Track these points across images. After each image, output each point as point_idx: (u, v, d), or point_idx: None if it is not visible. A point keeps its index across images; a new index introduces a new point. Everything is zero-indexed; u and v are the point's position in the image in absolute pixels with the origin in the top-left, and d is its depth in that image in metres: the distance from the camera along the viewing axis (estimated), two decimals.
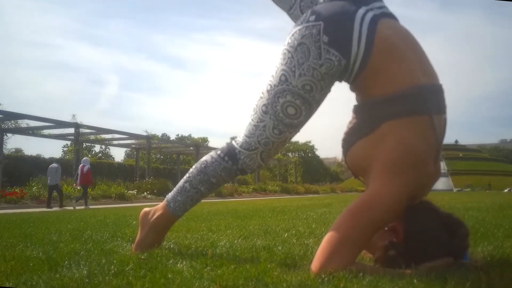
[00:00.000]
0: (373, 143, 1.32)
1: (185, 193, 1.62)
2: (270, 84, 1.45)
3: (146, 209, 1.76)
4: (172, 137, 52.65)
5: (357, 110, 1.44)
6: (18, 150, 28.65)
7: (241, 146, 1.53)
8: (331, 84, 1.43)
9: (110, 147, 30.95)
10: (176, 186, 1.67)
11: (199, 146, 26.88)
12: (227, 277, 1.15)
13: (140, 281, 1.13)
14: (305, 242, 1.95)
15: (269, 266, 1.28)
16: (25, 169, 19.14)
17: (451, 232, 1.25)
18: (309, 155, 61.12)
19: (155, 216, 1.68)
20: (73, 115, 17.62)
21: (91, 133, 19.22)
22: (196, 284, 1.09)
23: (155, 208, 1.73)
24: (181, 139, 50.67)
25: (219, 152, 1.59)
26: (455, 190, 36.89)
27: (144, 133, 20.88)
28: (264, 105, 1.46)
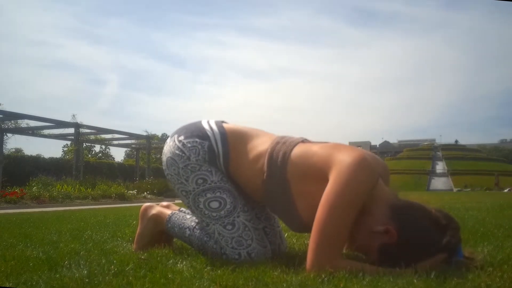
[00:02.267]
0: (301, 191, 1.38)
1: (181, 234, 1.66)
2: (188, 207, 1.58)
3: (148, 204, 1.85)
4: None
5: (267, 202, 1.50)
6: (18, 150, 28.67)
7: (232, 259, 1.46)
8: (214, 166, 1.52)
9: (110, 147, 30.96)
10: (185, 220, 1.67)
11: None
12: (227, 277, 1.15)
13: (140, 281, 1.13)
14: (305, 242, 1.95)
15: (269, 266, 1.28)
16: (25, 169, 19.13)
17: (441, 227, 1.25)
18: None
19: (156, 213, 1.77)
20: (73, 115, 17.53)
21: (91, 133, 19.21)
22: (196, 284, 1.09)
23: (158, 208, 1.80)
24: None
25: (224, 250, 1.49)
26: (455, 190, 36.88)
27: (144, 133, 20.89)
28: (202, 221, 1.54)
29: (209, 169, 1.52)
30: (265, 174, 1.45)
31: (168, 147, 1.59)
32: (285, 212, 1.46)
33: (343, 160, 1.28)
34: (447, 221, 1.27)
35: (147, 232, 1.77)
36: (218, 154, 1.53)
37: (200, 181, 1.51)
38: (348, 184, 1.23)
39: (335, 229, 1.22)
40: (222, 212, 1.48)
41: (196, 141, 1.53)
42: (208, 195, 1.49)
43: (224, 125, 1.61)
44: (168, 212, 1.75)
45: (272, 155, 1.45)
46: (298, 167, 1.40)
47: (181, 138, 1.56)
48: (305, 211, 1.39)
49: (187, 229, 1.63)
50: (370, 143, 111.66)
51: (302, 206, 1.40)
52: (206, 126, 1.59)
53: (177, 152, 1.54)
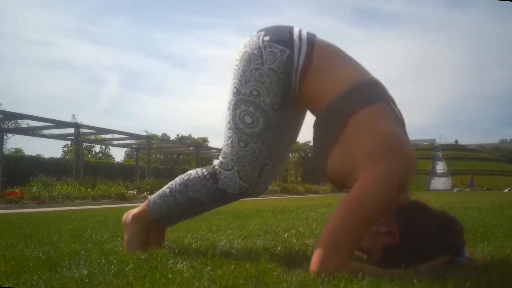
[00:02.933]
0: (347, 143, 1.32)
1: (164, 198, 1.66)
2: (228, 102, 1.51)
3: (129, 211, 1.80)
4: (172, 137, 52.67)
5: (317, 123, 1.46)
6: (18, 150, 28.67)
7: (220, 167, 1.57)
8: (279, 85, 1.42)
9: (110, 147, 30.97)
10: (160, 189, 1.71)
11: (199, 146, 26.90)
12: (227, 277, 1.15)
13: (140, 281, 1.13)
14: (305, 242, 1.95)
15: (269, 266, 1.28)
16: (25, 169, 19.14)
17: (446, 230, 1.25)
18: (309, 155, 61.13)
19: (136, 211, 1.75)
20: (73, 115, 17.53)
21: (91, 133, 19.21)
22: (196, 284, 1.09)
23: (136, 208, 1.78)
24: (181, 139, 50.64)
25: (203, 170, 1.62)
26: (455, 190, 36.91)
27: (144, 133, 20.89)
28: (228, 122, 1.52)
29: (271, 87, 1.42)
30: (331, 104, 1.37)
31: (251, 42, 1.49)
32: (319, 148, 1.43)
33: (377, 172, 1.23)
34: (451, 223, 1.27)
35: (135, 234, 1.72)
36: (296, 66, 1.41)
37: (254, 92, 1.43)
38: (370, 200, 1.20)
39: (348, 238, 1.20)
40: (247, 130, 1.47)
41: (278, 48, 1.42)
42: (250, 109, 1.45)
43: (316, 38, 1.48)
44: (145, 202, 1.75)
45: (349, 95, 1.35)
46: (354, 128, 1.31)
47: (266, 38, 1.45)
48: (334, 159, 1.36)
49: (166, 188, 1.66)
50: None
51: (335, 153, 1.36)
52: (295, 33, 1.46)
53: (255, 51, 1.45)
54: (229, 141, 1.51)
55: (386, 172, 1.22)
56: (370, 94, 1.35)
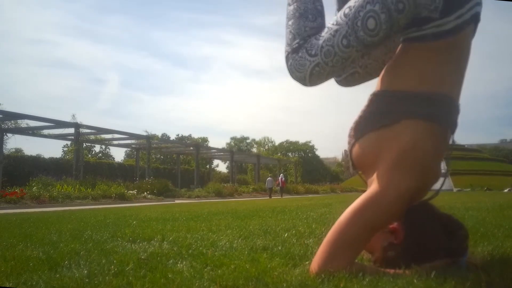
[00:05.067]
0: (386, 138, 1.27)
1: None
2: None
3: None
4: (172, 137, 52.64)
5: (376, 98, 1.36)
6: (18, 150, 28.71)
7: (305, 43, 1.33)
8: (408, 22, 1.24)
9: (110, 147, 31.01)
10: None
11: (199, 146, 26.92)
12: (227, 277, 1.15)
13: (140, 281, 1.13)
14: (305, 242, 1.95)
15: (269, 266, 1.28)
16: (25, 169, 19.16)
17: (450, 233, 1.25)
18: (309, 155, 61.16)
19: None
20: (73, 115, 17.60)
21: (91, 133, 19.23)
22: (196, 284, 1.09)
23: None
24: (181, 139, 50.72)
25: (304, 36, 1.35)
26: (455, 190, 36.92)
27: (144, 133, 20.91)
28: (349, 6, 1.27)
29: (408, 18, 1.22)
30: (401, 93, 1.29)
31: None
32: (363, 120, 1.36)
33: (393, 184, 1.22)
34: (456, 227, 1.27)
35: None
36: (418, 30, 1.25)
37: (400, 5, 1.20)
38: (379, 209, 1.21)
39: (352, 242, 1.20)
40: (361, 33, 1.23)
41: (437, 2, 1.20)
42: (382, 16, 1.20)
43: (465, 29, 1.28)
44: None
45: (420, 99, 1.26)
46: (401, 130, 1.26)
47: None
48: (366, 141, 1.33)
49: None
50: None
51: (369, 137, 1.32)
52: (468, 7, 1.25)
53: None
54: (334, 28, 1.28)
55: (401, 188, 1.22)
56: (437, 112, 1.27)
